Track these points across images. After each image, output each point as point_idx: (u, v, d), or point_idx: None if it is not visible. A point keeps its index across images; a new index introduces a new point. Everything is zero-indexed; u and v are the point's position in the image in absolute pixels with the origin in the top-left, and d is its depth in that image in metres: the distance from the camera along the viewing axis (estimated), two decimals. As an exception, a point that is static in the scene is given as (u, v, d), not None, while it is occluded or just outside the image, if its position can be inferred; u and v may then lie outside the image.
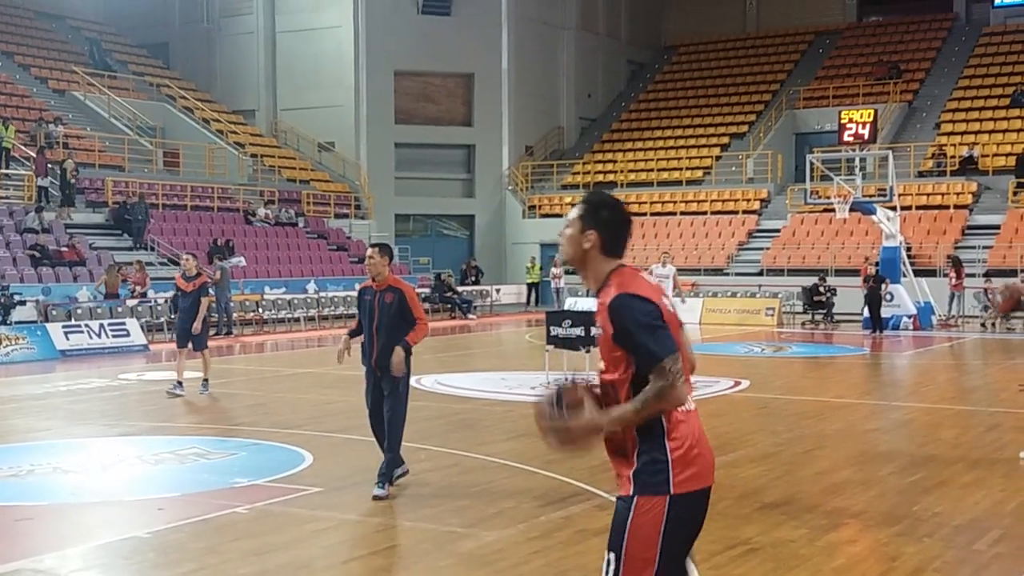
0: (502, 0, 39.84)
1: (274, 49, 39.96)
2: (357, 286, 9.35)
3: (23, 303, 22.33)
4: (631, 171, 39.92)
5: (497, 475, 9.23)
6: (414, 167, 39.36)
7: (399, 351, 8.30)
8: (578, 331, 13.51)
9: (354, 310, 28.20)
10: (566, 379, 3.52)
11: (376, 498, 8.23)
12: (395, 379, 8.40)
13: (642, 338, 3.35)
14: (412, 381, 8.82)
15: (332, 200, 36.62)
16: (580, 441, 3.43)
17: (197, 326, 14.42)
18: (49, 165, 28.37)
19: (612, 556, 3.42)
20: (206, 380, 14.80)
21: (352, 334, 8.74)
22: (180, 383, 14.61)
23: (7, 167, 28.49)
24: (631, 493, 3.41)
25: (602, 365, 3.50)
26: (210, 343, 15.62)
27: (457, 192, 40.53)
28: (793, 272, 31.88)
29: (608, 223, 3.54)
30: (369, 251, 8.62)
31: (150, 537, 7.27)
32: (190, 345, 14.67)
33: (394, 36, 38.31)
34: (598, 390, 3.50)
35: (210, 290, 15.49)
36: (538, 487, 8.69)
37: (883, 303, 25.65)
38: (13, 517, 7.89)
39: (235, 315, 25.66)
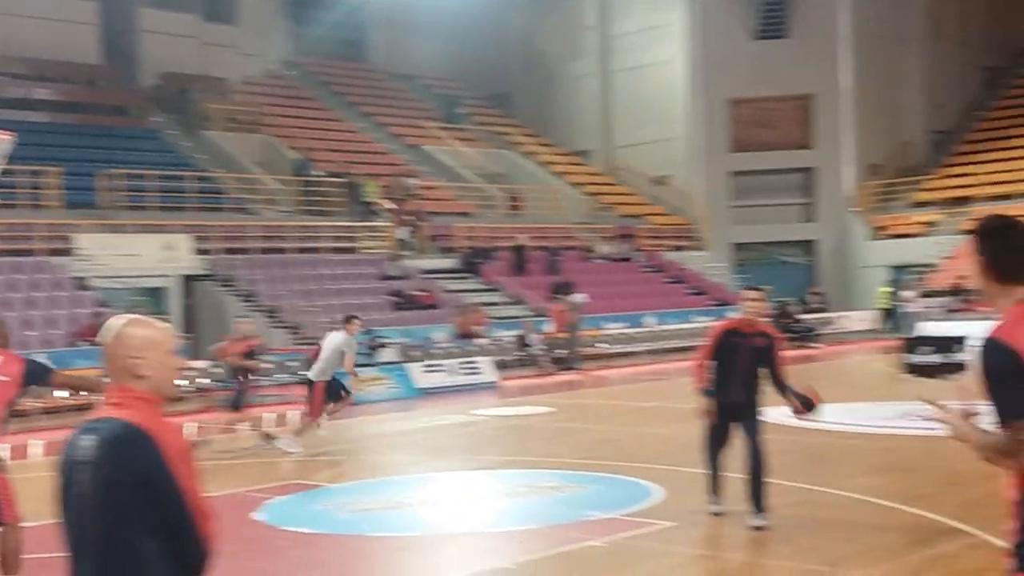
0: (840, 18, 38.60)
1: (609, 89, 40.88)
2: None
3: (385, 345, 24.00)
4: (992, 183, 37.14)
5: (857, 512, 8.85)
6: (751, 195, 38.81)
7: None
8: (939, 358, 12.75)
9: (692, 342, 28.30)
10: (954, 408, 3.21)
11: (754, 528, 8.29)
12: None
13: (995, 390, 3.04)
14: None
15: (669, 233, 36.80)
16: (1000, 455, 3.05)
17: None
18: (405, 216, 30.46)
19: None
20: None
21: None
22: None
23: (371, 220, 30.82)
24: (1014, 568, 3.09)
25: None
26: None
27: (796, 217, 39.49)
28: None
29: (998, 248, 3.19)
30: (753, 294, 8.51)
31: (515, 568, 7.55)
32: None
33: (729, 65, 38.09)
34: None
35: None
36: (903, 524, 8.24)
37: None
38: (392, 547, 8.47)
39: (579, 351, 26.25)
